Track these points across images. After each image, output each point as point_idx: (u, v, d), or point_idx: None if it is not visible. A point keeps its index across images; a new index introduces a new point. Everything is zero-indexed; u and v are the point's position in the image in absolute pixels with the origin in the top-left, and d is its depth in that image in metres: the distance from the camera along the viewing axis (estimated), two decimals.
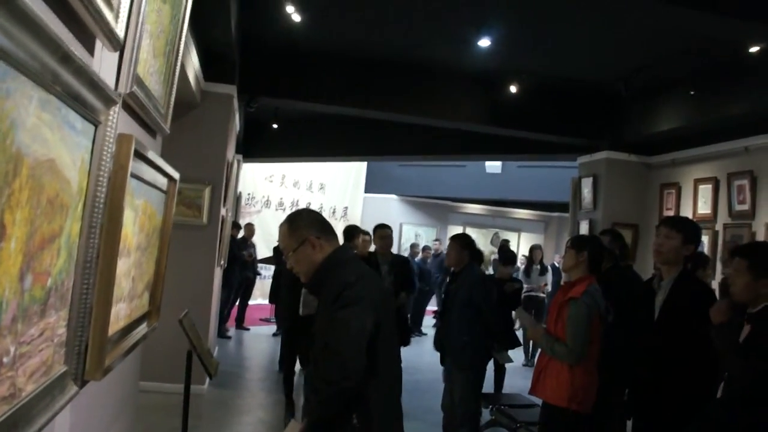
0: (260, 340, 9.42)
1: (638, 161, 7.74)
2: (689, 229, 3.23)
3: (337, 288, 2.17)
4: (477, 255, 4.85)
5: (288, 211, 14.14)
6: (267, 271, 13.23)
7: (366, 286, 2.21)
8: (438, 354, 4.87)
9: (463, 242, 4.74)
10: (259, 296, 13.29)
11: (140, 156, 2.09)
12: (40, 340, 1.43)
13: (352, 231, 5.87)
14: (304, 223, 2.33)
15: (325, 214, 14.70)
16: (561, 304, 3.41)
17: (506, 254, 6.97)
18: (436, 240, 12.39)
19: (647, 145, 7.57)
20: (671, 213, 7.23)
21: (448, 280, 5.22)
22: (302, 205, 14.17)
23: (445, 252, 12.87)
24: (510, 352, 5.96)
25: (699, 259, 5.01)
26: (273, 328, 10.09)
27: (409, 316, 8.31)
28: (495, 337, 4.95)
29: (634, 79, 6.73)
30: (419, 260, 11.29)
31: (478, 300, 4.53)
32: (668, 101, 6.78)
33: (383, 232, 5.89)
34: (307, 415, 2.24)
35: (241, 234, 10.07)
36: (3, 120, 1.07)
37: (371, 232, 6.13)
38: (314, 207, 14.30)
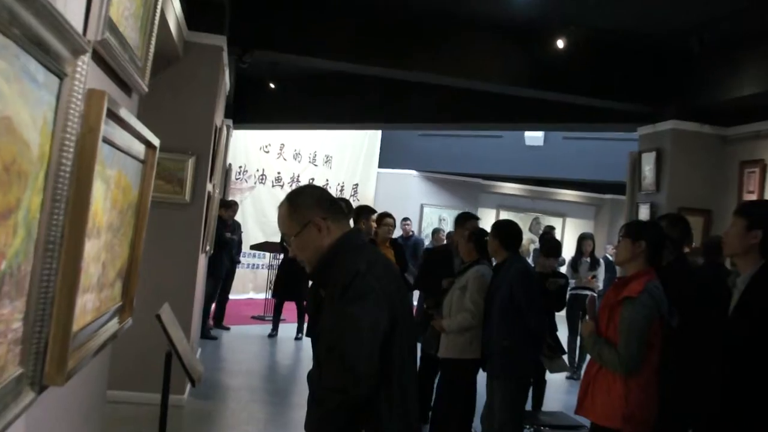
0: (252, 342, 9.49)
1: (713, 133, 7.65)
2: (755, 213, 3.14)
3: (344, 278, 2.18)
4: (514, 243, 4.89)
5: (287, 189, 14.25)
6: (259, 259, 13.35)
7: (380, 277, 2.21)
8: None
9: (500, 232, 4.85)
10: (252, 290, 13.40)
11: (114, 116, 2.09)
12: None
13: (359, 212, 5.96)
14: (307, 202, 2.33)
15: (333, 192, 14.75)
16: (614, 305, 3.39)
17: (549, 244, 6.94)
18: (406, 219, 12.38)
19: (724, 113, 7.48)
20: (753, 197, 7.13)
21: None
22: (304, 181, 14.19)
23: (415, 233, 13.04)
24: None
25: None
26: (267, 328, 10.15)
27: None
28: (539, 342, 5.00)
29: (709, 32, 6.63)
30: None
31: (519, 298, 4.56)
32: (752, 60, 6.68)
33: (387, 220, 6.39)
34: (307, 429, 2.24)
35: (238, 216, 10.15)
36: None
37: (389, 216, 6.49)
38: (319, 183, 14.34)
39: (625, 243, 3.49)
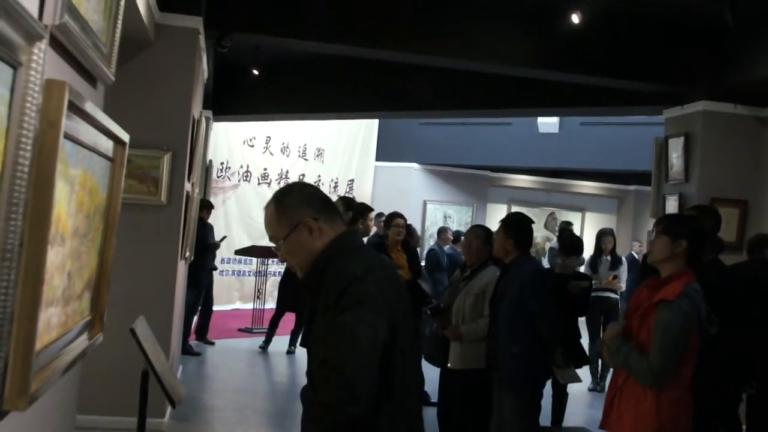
0: (239, 358, 9.48)
1: (749, 114, 7.63)
2: None
3: (339, 284, 2.17)
4: (525, 241, 4.90)
5: (275, 186, 14.24)
6: (245, 266, 13.34)
7: (379, 281, 2.20)
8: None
9: (513, 228, 4.85)
10: (238, 299, 13.41)
11: (76, 110, 2.08)
12: None
13: (359, 210, 5.97)
14: (296, 202, 2.32)
15: (324, 190, 14.74)
16: (648, 308, 3.37)
17: (569, 241, 6.92)
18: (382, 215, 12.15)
19: (761, 92, 7.46)
20: None
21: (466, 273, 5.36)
22: (293, 178, 14.19)
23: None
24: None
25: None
26: (255, 341, 10.15)
27: None
28: (550, 351, 5.00)
29: (744, 2, 6.61)
30: (450, 249, 11.27)
31: (530, 302, 4.58)
32: None
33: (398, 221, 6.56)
34: None
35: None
36: None
37: (399, 216, 6.70)
38: (311, 179, 14.35)
39: (663, 241, 3.45)
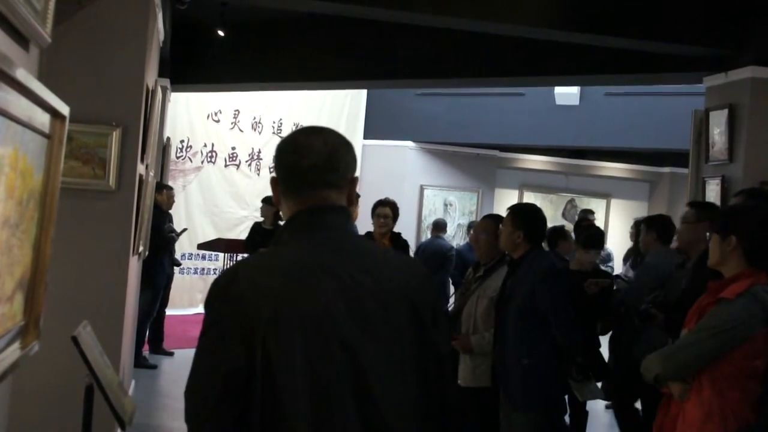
0: None
1: None
2: None
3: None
4: (537, 234, 4.89)
5: (245, 169, 14.33)
6: (210, 262, 13.32)
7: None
8: None
9: (525, 219, 4.83)
10: (201, 302, 13.38)
11: (5, 77, 2.07)
12: None
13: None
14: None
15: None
16: (705, 307, 3.43)
17: (587, 232, 6.93)
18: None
19: None
20: None
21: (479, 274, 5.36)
22: (266, 158, 14.19)
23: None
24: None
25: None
26: None
27: None
28: (569, 361, 5.00)
29: None
30: (465, 245, 11.28)
31: (543, 304, 4.56)
32: None
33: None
34: None
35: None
36: None
37: (384, 204, 6.75)
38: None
39: (714, 240, 3.50)
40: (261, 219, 10.18)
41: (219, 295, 2.06)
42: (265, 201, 9.93)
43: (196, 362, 2.03)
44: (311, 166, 2.16)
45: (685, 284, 4.88)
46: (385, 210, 6.64)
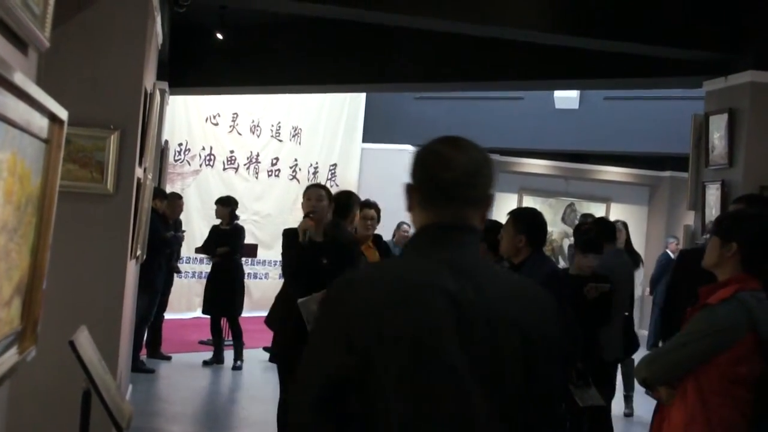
0: (199, 376, 9.48)
1: None
2: None
3: None
4: (539, 238, 4.88)
5: (243, 172, 14.32)
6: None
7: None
8: None
9: (526, 223, 4.84)
10: (199, 306, 13.36)
11: (3, 82, 2.06)
12: None
13: (346, 202, 5.98)
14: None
15: (303, 176, 14.81)
16: (691, 314, 3.46)
17: (586, 236, 6.92)
18: (404, 224, 11.29)
19: None
20: None
21: None
22: (265, 162, 14.18)
23: None
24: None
25: None
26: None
27: None
28: (568, 368, 4.99)
29: None
30: None
31: None
32: None
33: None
34: None
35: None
36: None
37: (369, 206, 6.67)
38: (285, 164, 14.35)
39: (714, 243, 3.51)
40: (218, 221, 10.31)
41: (332, 299, 2.10)
42: (219, 202, 10.16)
43: (304, 358, 2.04)
44: (454, 182, 2.14)
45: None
46: (371, 212, 6.61)
